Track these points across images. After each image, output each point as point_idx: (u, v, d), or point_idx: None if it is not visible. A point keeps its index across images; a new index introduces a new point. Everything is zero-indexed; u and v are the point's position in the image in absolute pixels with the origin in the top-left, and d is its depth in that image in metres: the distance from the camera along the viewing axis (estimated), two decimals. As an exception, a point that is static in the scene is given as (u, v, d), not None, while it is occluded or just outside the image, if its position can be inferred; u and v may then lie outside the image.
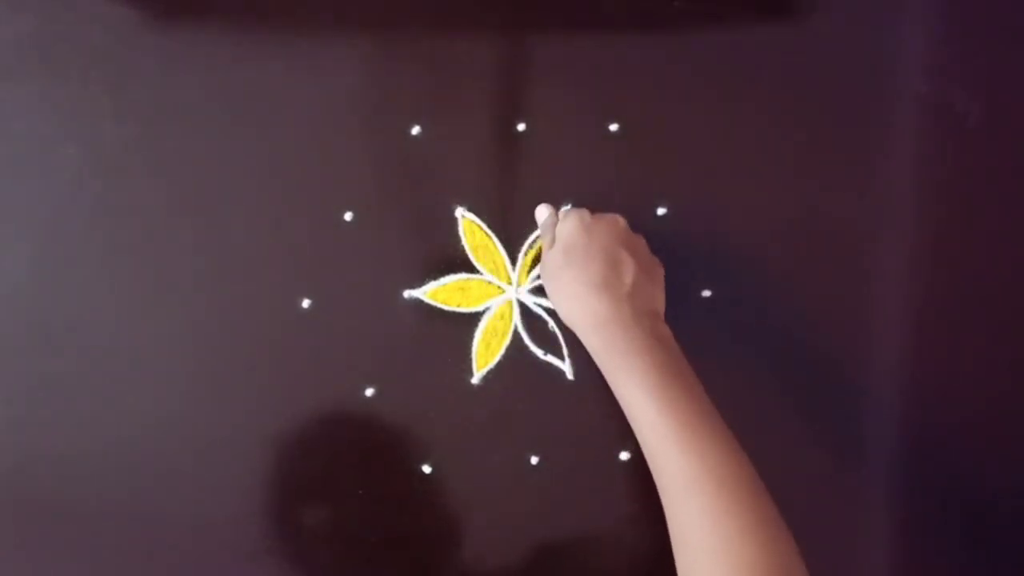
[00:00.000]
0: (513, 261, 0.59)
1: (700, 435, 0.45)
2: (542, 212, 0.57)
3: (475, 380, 0.58)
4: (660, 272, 0.53)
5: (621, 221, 0.53)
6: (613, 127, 0.58)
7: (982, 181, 0.58)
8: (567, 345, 0.58)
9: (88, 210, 0.59)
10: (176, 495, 0.59)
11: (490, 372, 0.58)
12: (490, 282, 0.59)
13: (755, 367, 0.57)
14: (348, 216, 0.59)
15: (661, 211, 0.58)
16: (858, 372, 0.57)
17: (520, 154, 0.59)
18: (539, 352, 0.58)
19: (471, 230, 0.59)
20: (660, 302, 0.52)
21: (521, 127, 0.59)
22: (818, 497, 0.57)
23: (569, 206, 0.58)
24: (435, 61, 0.59)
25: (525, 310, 0.58)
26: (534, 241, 0.59)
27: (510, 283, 0.59)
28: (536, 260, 0.58)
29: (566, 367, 0.58)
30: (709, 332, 0.57)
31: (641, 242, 0.54)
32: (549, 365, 0.58)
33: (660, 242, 0.55)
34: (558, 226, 0.54)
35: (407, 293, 0.59)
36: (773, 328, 0.58)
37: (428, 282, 0.59)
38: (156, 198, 0.59)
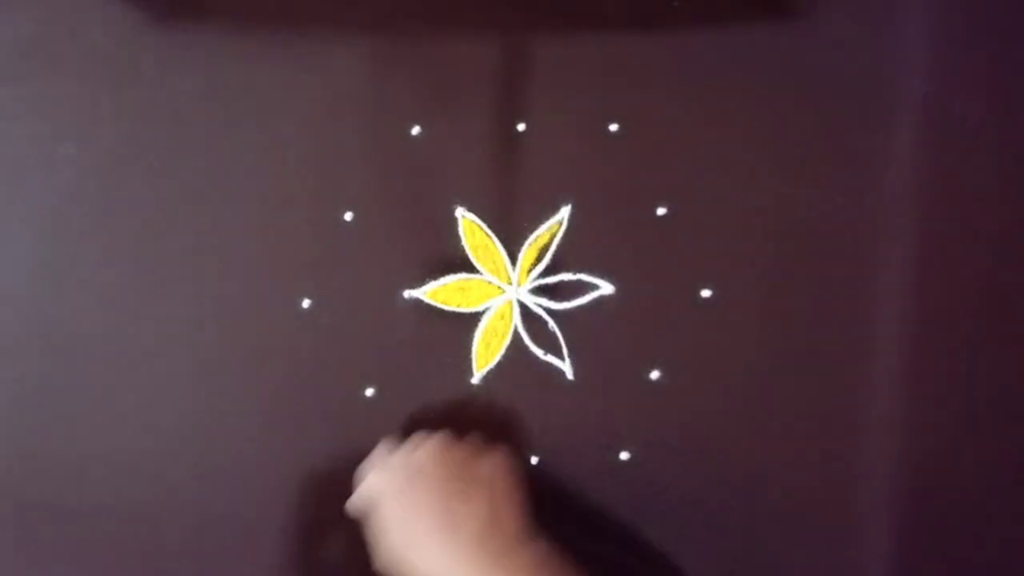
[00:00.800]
0: (513, 261, 0.59)
1: None
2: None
3: (475, 380, 0.58)
4: (510, 489, 0.52)
5: (452, 453, 0.53)
6: (613, 127, 0.58)
7: (982, 181, 0.58)
8: (567, 345, 0.58)
9: (88, 210, 0.59)
10: (175, 495, 0.59)
11: (490, 372, 0.58)
12: (490, 282, 0.59)
13: (755, 367, 0.57)
14: (348, 216, 0.59)
15: (661, 211, 0.58)
16: (858, 372, 0.57)
17: (520, 154, 0.59)
18: (539, 352, 0.58)
19: (471, 230, 0.59)
20: (518, 524, 0.51)
21: (521, 127, 0.59)
22: (817, 496, 0.57)
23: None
24: (435, 61, 0.59)
25: (525, 310, 0.58)
26: (534, 241, 0.59)
27: (510, 283, 0.59)
28: (537, 259, 0.58)
29: (566, 367, 0.58)
30: (709, 332, 0.57)
31: (481, 465, 0.52)
32: (549, 365, 0.58)
33: (660, 242, 0.56)
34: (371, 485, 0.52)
35: (407, 293, 0.59)
36: (773, 328, 0.58)
37: (428, 282, 0.59)
38: (156, 198, 0.59)
